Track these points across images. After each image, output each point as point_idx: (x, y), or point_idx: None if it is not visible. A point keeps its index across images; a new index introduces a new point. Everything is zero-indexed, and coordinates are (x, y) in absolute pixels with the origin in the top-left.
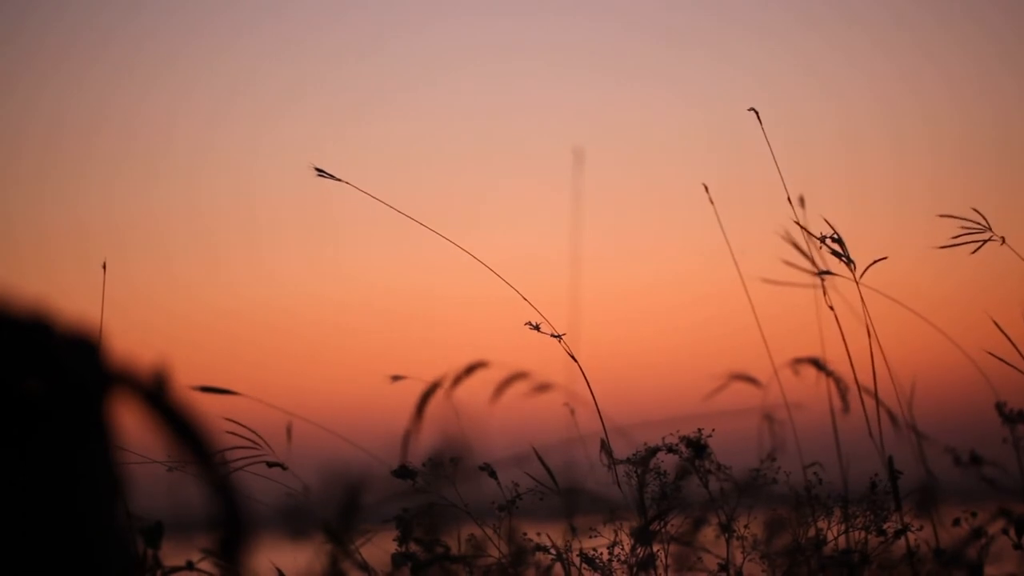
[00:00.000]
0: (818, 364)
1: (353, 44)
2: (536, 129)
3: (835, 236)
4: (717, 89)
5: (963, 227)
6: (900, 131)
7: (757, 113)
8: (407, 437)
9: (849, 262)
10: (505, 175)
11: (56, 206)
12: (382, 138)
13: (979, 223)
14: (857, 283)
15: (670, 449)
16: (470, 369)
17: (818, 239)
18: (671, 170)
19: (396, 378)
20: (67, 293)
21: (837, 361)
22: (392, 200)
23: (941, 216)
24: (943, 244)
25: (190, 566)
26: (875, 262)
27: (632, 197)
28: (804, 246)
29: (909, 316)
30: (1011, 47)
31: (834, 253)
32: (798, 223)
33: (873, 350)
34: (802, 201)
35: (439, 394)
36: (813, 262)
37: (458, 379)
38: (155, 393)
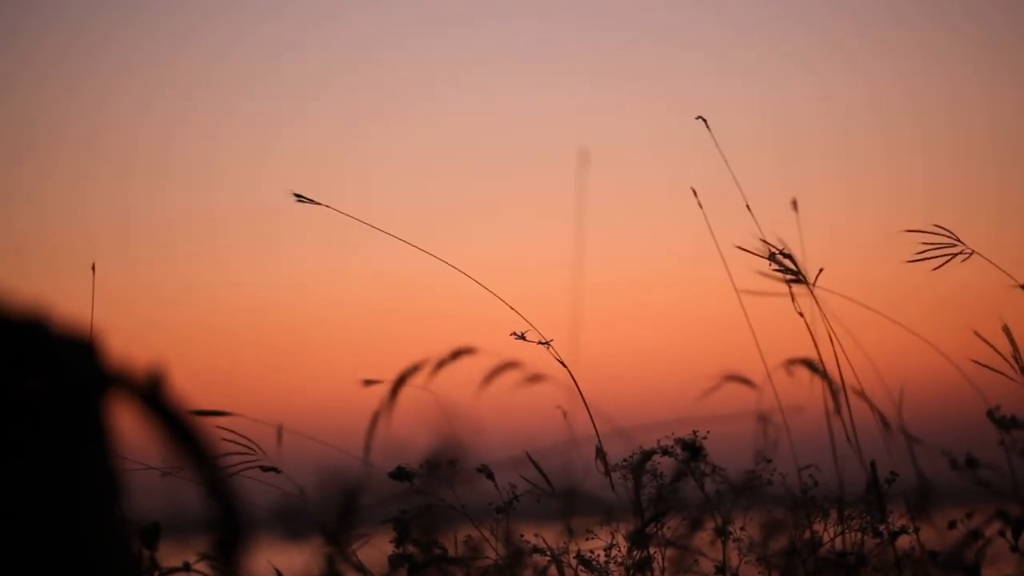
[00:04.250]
0: (811, 365)
1: (361, 47)
2: (539, 134)
3: (783, 251)
4: (712, 91)
5: (925, 243)
6: (894, 132)
7: (705, 122)
8: (375, 420)
9: (798, 275)
10: (508, 178)
11: (57, 207)
12: (389, 141)
13: (945, 237)
14: (812, 291)
15: (665, 451)
16: (456, 354)
17: (768, 256)
18: (665, 172)
19: (369, 383)
20: (70, 295)
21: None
22: (394, 199)
23: (906, 231)
24: (910, 259)
25: (187, 567)
26: (820, 273)
27: (625, 199)
28: (763, 255)
29: (893, 322)
30: (1008, 49)
31: (780, 270)
32: (740, 247)
33: (838, 355)
34: (794, 204)
35: (420, 380)
36: (775, 271)
37: (442, 363)
38: (152, 394)
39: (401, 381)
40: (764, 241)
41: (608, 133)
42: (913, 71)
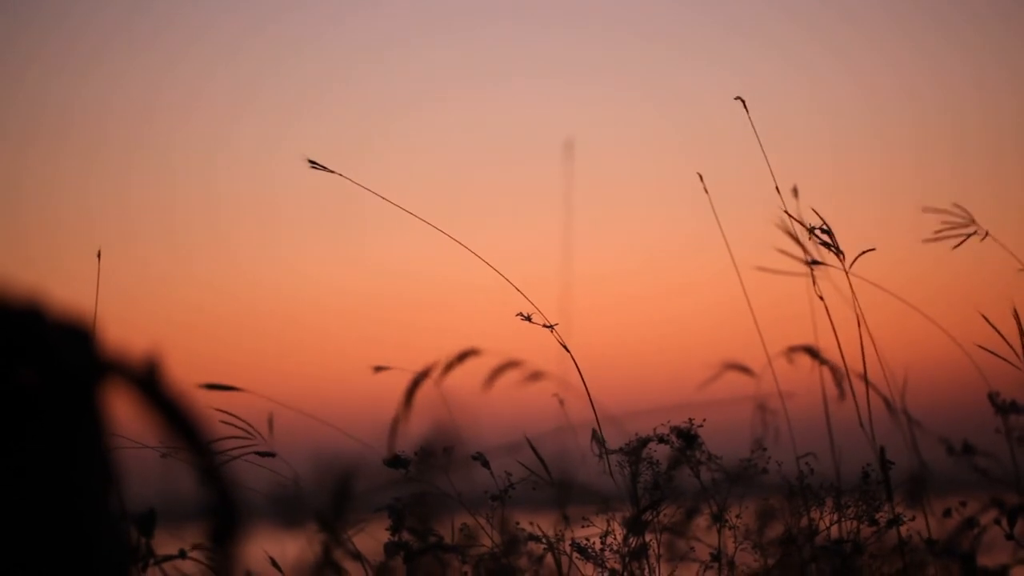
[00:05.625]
0: (812, 352)
1: (365, 46)
2: (528, 125)
3: (825, 227)
4: (707, 85)
5: (945, 222)
6: (888, 124)
7: (743, 102)
8: (395, 424)
9: (839, 252)
10: (498, 168)
11: (63, 194)
12: (390, 137)
13: (962, 217)
14: (847, 273)
15: (661, 439)
16: (462, 356)
17: (808, 229)
18: (664, 162)
19: (379, 368)
20: (75, 282)
21: (829, 350)
22: (392, 193)
23: (925, 210)
24: (927, 238)
25: (183, 555)
26: (864, 252)
27: (623, 188)
28: (795, 235)
29: (901, 308)
30: (999, 38)
31: (824, 244)
32: (787, 212)
33: (863, 339)
34: (795, 191)
35: (430, 382)
36: (805, 251)
37: (450, 366)
38: (148, 381)
39: (415, 385)
40: (792, 218)
41: (606, 127)
42: (905, 62)
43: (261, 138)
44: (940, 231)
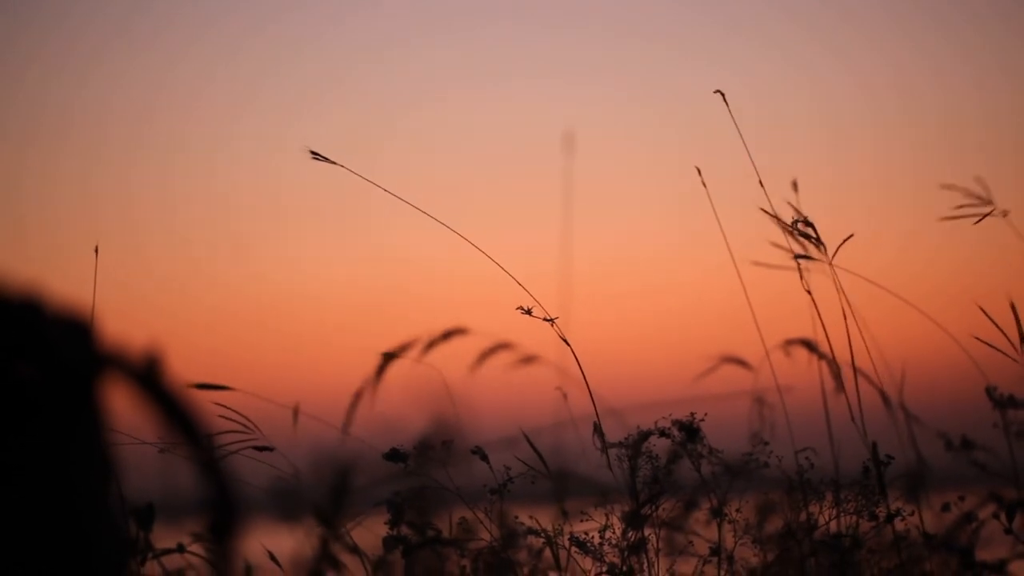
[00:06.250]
0: (810, 345)
1: (365, 46)
2: (528, 124)
3: (806, 219)
4: (706, 85)
5: (968, 196)
6: (886, 123)
7: (723, 95)
8: (357, 397)
9: (819, 244)
10: (498, 168)
11: (62, 190)
12: (388, 134)
13: (981, 195)
14: (831, 265)
15: (662, 433)
16: (447, 334)
17: (791, 224)
18: (663, 160)
19: (388, 355)
20: (72, 277)
21: (824, 344)
22: (393, 190)
23: (944, 187)
24: (946, 216)
25: (181, 549)
26: (844, 241)
27: (623, 186)
28: (784, 229)
29: (898, 303)
30: (999, 38)
31: (803, 235)
32: (764, 210)
33: (850, 332)
34: (795, 186)
35: (411, 360)
36: (794, 244)
37: (433, 343)
38: (146, 376)
39: (388, 360)
40: (768, 214)
41: (605, 126)
42: (904, 62)
43: (261, 138)
44: (960, 207)
